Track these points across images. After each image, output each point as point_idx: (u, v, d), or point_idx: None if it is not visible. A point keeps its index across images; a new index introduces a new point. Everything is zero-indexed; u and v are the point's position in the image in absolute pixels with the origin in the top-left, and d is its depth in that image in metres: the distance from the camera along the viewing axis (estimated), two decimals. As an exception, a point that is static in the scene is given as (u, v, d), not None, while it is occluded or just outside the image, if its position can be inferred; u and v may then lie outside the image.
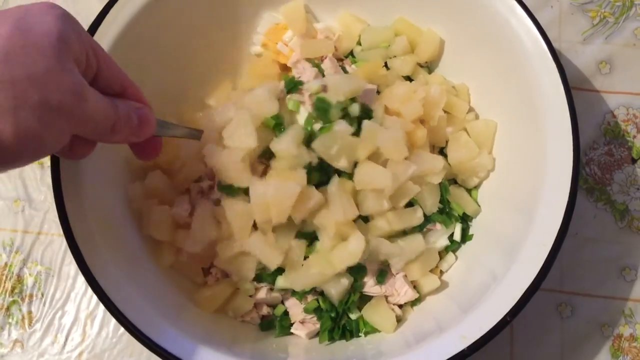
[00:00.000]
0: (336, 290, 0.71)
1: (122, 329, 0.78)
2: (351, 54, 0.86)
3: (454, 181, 0.81)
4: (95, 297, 0.76)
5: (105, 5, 0.71)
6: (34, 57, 0.47)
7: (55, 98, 0.48)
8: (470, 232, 0.79)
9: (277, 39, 0.84)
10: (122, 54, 0.71)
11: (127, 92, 0.60)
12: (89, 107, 0.51)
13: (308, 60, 0.82)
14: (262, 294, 0.74)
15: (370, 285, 0.74)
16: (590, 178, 0.87)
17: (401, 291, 0.74)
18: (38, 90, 0.47)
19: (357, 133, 0.71)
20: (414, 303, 0.76)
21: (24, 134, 0.47)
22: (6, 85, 0.45)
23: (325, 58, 0.82)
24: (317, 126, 0.73)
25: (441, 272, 0.77)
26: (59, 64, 0.48)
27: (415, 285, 0.75)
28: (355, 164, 0.71)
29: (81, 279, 0.81)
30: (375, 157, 0.72)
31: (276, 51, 0.83)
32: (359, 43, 0.84)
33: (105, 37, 0.70)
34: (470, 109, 0.82)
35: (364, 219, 0.73)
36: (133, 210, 0.74)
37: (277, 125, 0.72)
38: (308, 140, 0.71)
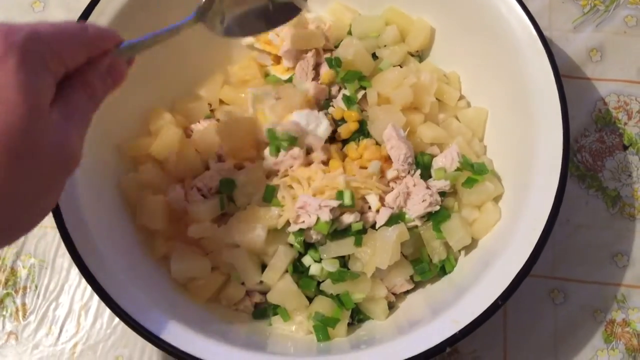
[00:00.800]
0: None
1: (116, 320, 0.78)
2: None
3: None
4: (89, 289, 0.77)
5: (95, -5, 0.71)
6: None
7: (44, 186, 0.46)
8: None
9: (268, 29, 0.84)
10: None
11: (92, 54, 0.53)
12: (79, 152, 0.49)
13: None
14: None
15: None
16: (581, 165, 0.88)
17: (398, 282, 0.74)
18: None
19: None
20: (408, 290, 0.76)
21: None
22: None
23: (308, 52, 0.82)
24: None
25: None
26: (42, 148, 0.44)
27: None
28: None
29: (75, 271, 0.81)
30: None
31: (267, 41, 0.83)
32: (349, 32, 0.84)
33: (95, 28, 0.70)
34: (461, 97, 0.83)
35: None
36: (126, 201, 0.74)
37: None
38: None
